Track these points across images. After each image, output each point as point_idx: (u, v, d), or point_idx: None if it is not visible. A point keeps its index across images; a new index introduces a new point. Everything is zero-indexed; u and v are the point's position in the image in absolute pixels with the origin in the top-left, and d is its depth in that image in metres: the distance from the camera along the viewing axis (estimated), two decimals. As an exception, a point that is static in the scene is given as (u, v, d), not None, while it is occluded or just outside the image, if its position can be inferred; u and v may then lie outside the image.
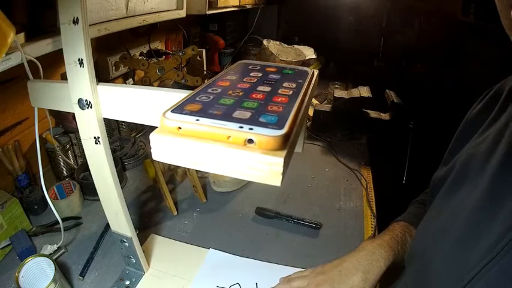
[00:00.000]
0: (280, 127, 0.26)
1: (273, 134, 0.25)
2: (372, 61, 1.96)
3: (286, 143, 0.25)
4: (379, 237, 0.57)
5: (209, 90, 0.33)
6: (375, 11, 1.85)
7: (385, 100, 1.19)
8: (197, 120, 0.27)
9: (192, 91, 0.33)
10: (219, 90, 0.33)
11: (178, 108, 0.28)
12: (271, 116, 0.27)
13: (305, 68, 0.42)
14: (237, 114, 0.28)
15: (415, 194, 0.68)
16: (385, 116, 1.13)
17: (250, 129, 0.25)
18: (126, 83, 1.15)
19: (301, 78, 0.38)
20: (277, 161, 0.24)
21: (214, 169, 0.27)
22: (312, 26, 1.94)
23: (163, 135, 0.27)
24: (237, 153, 0.25)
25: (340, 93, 1.13)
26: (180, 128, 0.27)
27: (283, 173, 0.25)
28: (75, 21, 0.39)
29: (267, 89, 0.34)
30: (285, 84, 0.36)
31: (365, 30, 1.91)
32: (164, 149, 0.27)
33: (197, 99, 0.31)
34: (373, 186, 0.87)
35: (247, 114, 0.28)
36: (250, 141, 0.25)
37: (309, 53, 1.57)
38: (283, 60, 1.42)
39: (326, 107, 1.16)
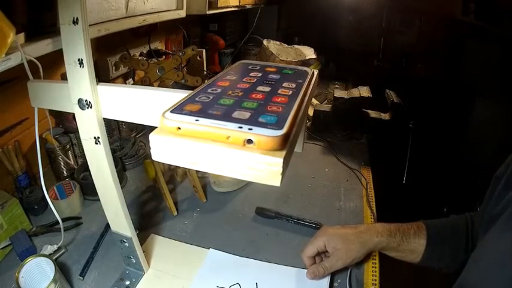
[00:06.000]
0: (280, 127, 0.26)
1: (272, 134, 0.25)
2: (372, 61, 1.96)
3: (286, 143, 0.25)
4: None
5: (209, 90, 0.33)
6: (375, 11, 1.85)
7: (385, 100, 1.19)
8: (196, 120, 0.27)
9: (191, 91, 0.33)
10: (219, 90, 0.33)
11: (178, 109, 0.29)
12: (270, 116, 0.27)
13: (305, 68, 0.42)
14: (236, 114, 0.28)
15: (415, 194, 0.67)
16: (385, 116, 1.13)
17: (250, 129, 0.25)
18: (126, 83, 1.15)
19: (301, 78, 0.38)
20: (277, 161, 0.24)
21: (214, 169, 0.27)
22: (312, 26, 1.94)
23: (162, 136, 0.27)
24: (236, 154, 0.25)
25: (340, 93, 1.13)
26: (179, 128, 0.27)
27: (283, 173, 0.25)
28: (75, 22, 0.39)
29: (267, 89, 0.34)
30: (285, 84, 0.36)
31: (365, 30, 1.90)
32: (164, 149, 0.27)
33: (197, 99, 0.31)
34: (373, 186, 0.87)
35: (246, 115, 0.28)
36: (250, 141, 0.25)
37: (309, 53, 1.56)
38: (283, 60, 1.42)
39: (326, 107, 1.16)
